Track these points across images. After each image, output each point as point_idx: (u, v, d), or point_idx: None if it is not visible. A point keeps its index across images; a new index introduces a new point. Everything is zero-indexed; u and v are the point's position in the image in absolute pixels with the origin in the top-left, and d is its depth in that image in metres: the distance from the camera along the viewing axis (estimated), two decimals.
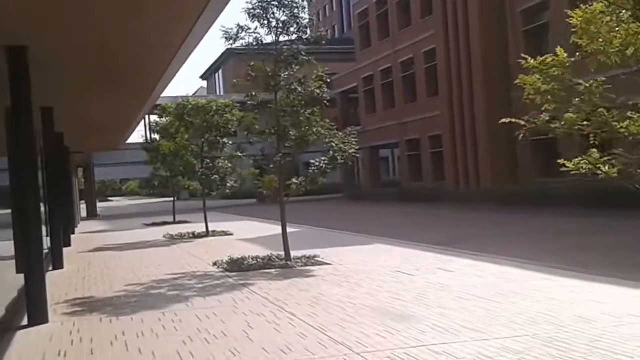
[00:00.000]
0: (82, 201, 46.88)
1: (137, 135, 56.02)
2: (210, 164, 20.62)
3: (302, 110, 12.00)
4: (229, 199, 55.24)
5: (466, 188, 31.81)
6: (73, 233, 25.04)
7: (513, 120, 7.12)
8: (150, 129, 29.74)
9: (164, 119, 27.07)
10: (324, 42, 12.28)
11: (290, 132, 11.96)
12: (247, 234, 20.61)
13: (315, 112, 12.19)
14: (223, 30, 11.96)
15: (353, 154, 12.09)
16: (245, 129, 12.46)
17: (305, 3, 11.68)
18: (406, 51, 38.00)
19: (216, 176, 20.56)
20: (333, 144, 12.04)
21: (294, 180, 12.23)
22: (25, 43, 7.88)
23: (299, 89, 11.85)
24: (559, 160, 6.55)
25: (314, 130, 11.95)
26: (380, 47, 41.09)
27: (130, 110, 16.23)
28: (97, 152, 44.11)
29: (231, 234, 20.43)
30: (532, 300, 7.34)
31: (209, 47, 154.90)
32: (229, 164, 20.77)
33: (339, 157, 11.86)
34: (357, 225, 22.41)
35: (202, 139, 20.64)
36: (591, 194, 22.83)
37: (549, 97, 6.40)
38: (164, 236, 21.15)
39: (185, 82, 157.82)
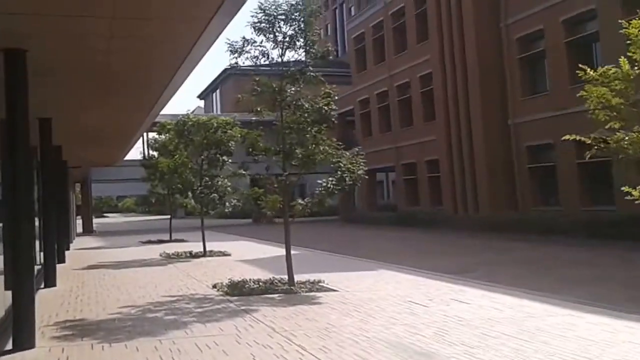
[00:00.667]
0: (79, 217, 46.20)
1: (135, 153, 55.39)
2: (209, 183, 20.13)
3: (308, 128, 11.52)
4: (225, 218, 54.88)
5: (464, 214, 31.37)
6: (68, 249, 24.41)
7: (579, 138, 6.41)
8: (148, 146, 29.29)
9: (163, 136, 26.74)
10: (330, 57, 11.84)
11: (297, 151, 11.47)
12: (246, 255, 20.02)
13: (322, 130, 11.72)
14: (228, 43, 11.53)
15: (362, 175, 11.58)
16: (250, 146, 11.95)
17: (312, 19, 11.20)
18: (402, 75, 37.91)
19: (215, 195, 20.06)
20: (341, 165, 11.54)
21: (299, 201, 11.70)
22: (24, 46, 7.40)
23: (307, 106, 11.38)
24: (623, 188, 5.93)
25: (321, 149, 11.46)
26: (377, 71, 41.02)
27: (132, 123, 15.73)
28: (95, 168, 44.04)
29: (229, 255, 19.85)
30: (562, 339, 6.76)
31: (206, 67, 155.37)
32: (229, 183, 20.29)
33: (347, 178, 11.35)
34: (358, 249, 21.85)
35: (202, 157, 20.18)
36: (593, 224, 22.45)
37: (614, 113, 5.77)
38: (160, 255, 20.55)
39: (182, 101, 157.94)
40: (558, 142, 25.68)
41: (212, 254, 19.98)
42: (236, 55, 11.56)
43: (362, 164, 11.71)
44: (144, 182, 29.38)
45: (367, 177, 12.20)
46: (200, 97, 76.23)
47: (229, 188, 20.18)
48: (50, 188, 13.69)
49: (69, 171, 26.44)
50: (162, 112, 17.42)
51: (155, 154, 27.54)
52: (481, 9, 30.72)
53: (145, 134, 43.21)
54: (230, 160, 20.00)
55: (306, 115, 11.50)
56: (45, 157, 13.49)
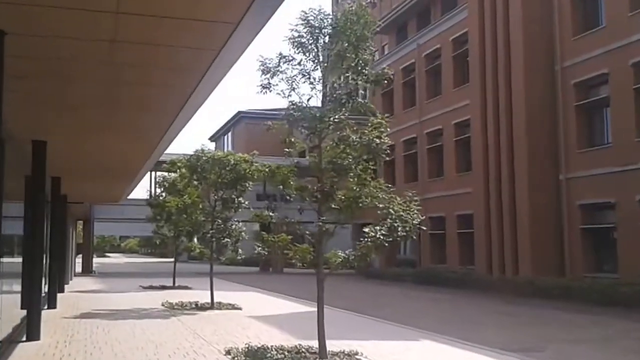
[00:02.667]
0: (80, 255, 44.16)
1: (141, 192, 52.98)
2: (222, 226, 18.11)
3: (352, 166, 9.57)
4: (228, 265, 52.41)
5: (500, 276, 28.07)
6: (62, 291, 22.30)
7: None
8: (156, 184, 27.39)
9: (171, 175, 24.92)
10: (385, 81, 9.96)
11: (339, 192, 9.48)
12: (259, 310, 17.84)
13: (369, 168, 9.75)
14: (260, 62, 9.69)
15: (418, 225, 9.53)
16: (280, 183, 9.96)
17: (367, 32, 9.32)
18: (434, 122, 35.63)
19: (228, 240, 18.02)
20: (391, 211, 9.51)
21: (340, 252, 9.63)
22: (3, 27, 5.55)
23: (354, 138, 9.43)
24: None
25: (367, 191, 9.47)
26: (405, 116, 38.65)
27: (137, 155, 13.83)
28: (98, 206, 42.20)
29: (240, 309, 17.66)
30: None
31: (218, 110, 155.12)
32: (244, 227, 18.28)
33: (399, 229, 9.30)
34: (387, 310, 19.56)
35: (216, 197, 18.24)
36: None
37: None
38: (162, 304, 18.37)
39: (193, 143, 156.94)
40: (621, 200, 23.44)
41: (220, 306, 17.80)
42: (269, 75, 9.71)
43: (416, 211, 9.69)
44: (149, 222, 27.38)
45: (424, 228, 10.10)
46: (211, 139, 74.93)
47: (243, 233, 18.17)
48: (41, 223, 11.66)
49: (68, 207, 24.53)
50: (169, 151, 15.80)
51: (163, 193, 25.62)
52: (533, 50, 27.82)
53: (152, 172, 41.75)
54: (247, 202, 18.04)
55: (351, 149, 9.56)
56: (37, 186, 11.51)
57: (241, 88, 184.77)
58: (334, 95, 9.50)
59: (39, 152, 11.20)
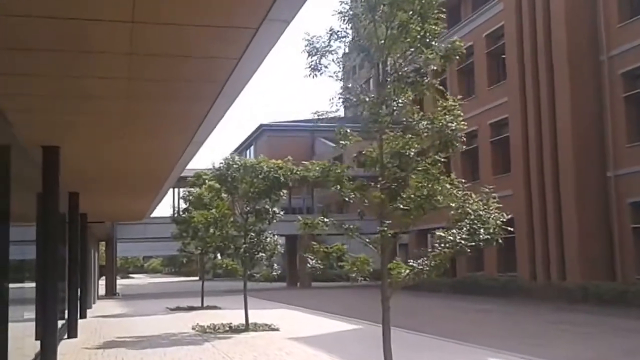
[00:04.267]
0: (103, 277, 42.93)
1: (163, 209, 51.68)
2: (255, 239, 16.55)
3: (418, 158, 7.98)
4: (257, 281, 50.54)
5: (546, 282, 26.36)
6: (84, 317, 20.86)
7: None
8: (180, 199, 26.00)
9: (196, 190, 23.54)
10: (457, 57, 8.36)
11: (408, 190, 7.88)
12: (298, 329, 16.24)
13: (439, 161, 8.16)
14: (307, 40, 8.17)
15: (502, 227, 7.88)
16: (336, 184, 8.37)
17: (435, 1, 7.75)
18: (468, 123, 33.84)
19: (262, 254, 16.45)
20: (469, 211, 7.88)
21: (412, 262, 8.00)
22: None
23: (424, 124, 7.83)
24: None
25: (439, 188, 7.86)
26: None
27: (161, 164, 12.34)
28: (120, 225, 40.97)
29: (277, 330, 16.05)
30: None
31: (241, 123, 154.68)
32: (280, 240, 16.74)
33: (482, 231, 7.66)
34: (438, 325, 17.84)
35: (248, 208, 16.71)
36: None
37: None
38: (193, 328, 16.81)
39: (215, 158, 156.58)
40: None
41: (256, 327, 16.21)
42: (317, 57, 8.18)
43: (497, 211, 8.05)
44: (174, 239, 25.93)
45: (510, 229, 8.45)
46: (234, 153, 73.69)
47: (278, 246, 16.61)
48: (55, 244, 10.14)
49: (89, 227, 23.15)
50: (192, 166, 14.57)
51: (189, 208, 24.18)
52: (577, 40, 26.02)
53: (174, 190, 40.45)
54: (282, 212, 16.52)
55: (419, 138, 7.98)
56: (49, 200, 10.02)
57: (260, 102, 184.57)
58: (399, 73, 7.91)
59: (52, 160, 9.73)
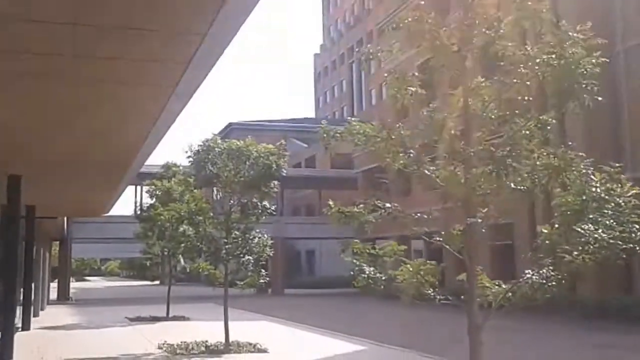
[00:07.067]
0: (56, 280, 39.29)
1: (122, 208, 48.23)
2: (241, 239, 13.58)
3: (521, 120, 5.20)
4: (214, 286, 46.82)
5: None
6: (27, 328, 17.59)
7: None
8: (145, 192, 22.83)
9: (164, 183, 20.60)
10: None
11: (514, 165, 5.08)
12: (290, 351, 13.40)
13: (548, 122, 5.39)
14: None
15: None
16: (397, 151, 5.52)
17: None
18: None
19: (249, 257, 13.47)
20: (606, 197, 5.11)
21: (529, 274, 5.19)
22: None
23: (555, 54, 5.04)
24: None
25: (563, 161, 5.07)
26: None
27: (124, 146, 9.44)
28: (77, 222, 37.42)
29: (265, 351, 13.08)
30: None
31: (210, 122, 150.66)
32: (270, 240, 13.81)
33: (637, 227, 4.90)
34: (449, 347, 15.09)
35: (232, 201, 13.75)
36: None
37: None
38: (160, 347, 13.68)
39: (180, 157, 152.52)
40: None
41: (239, 348, 13.22)
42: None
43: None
44: (137, 239, 22.76)
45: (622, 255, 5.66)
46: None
47: (267, 247, 13.66)
48: None
49: (38, 223, 19.82)
50: (151, 162, 12.03)
51: (155, 203, 21.09)
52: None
53: (138, 187, 37.06)
54: (273, 206, 13.63)
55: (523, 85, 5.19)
56: None
57: (229, 101, 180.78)
58: None
59: None
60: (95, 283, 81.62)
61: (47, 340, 15.56)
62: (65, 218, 28.58)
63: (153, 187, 21.33)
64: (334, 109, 72.47)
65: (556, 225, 5.17)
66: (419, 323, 21.49)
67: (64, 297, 37.06)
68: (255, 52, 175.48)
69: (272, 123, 63.47)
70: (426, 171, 5.37)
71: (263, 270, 13.99)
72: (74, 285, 56.54)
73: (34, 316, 20.05)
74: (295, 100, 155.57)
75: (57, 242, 39.31)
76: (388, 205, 5.77)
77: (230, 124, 63.29)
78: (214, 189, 14.56)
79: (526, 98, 5.04)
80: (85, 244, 55.37)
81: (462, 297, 5.64)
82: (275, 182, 13.66)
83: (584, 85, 5.05)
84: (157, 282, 68.61)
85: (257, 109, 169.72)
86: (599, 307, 20.56)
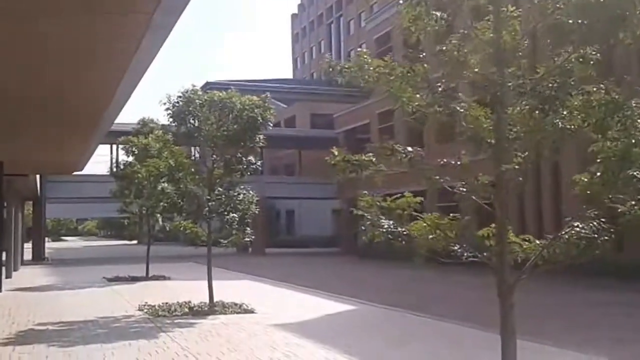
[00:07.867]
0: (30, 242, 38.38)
1: (98, 166, 47.16)
2: (224, 196, 12.81)
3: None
4: (195, 246, 46.19)
5: None
6: None
7: None
8: (121, 149, 21.80)
9: (141, 139, 19.63)
10: None
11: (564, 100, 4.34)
12: (279, 311, 12.78)
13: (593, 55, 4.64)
14: None
15: None
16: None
17: None
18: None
19: (234, 215, 12.72)
20: None
21: (577, 226, 4.50)
22: None
23: None
24: None
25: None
26: None
27: (99, 88, 8.52)
28: (50, 181, 36.31)
29: (252, 311, 12.47)
30: None
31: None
32: (256, 197, 13.08)
33: None
34: (440, 303, 14.63)
35: (214, 156, 12.91)
36: None
37: None
38: (140, 309, 13.00)
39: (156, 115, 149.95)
40: None
41: (224, 309, 12.57)
42: None
43: None
44: (114, 198, 21.89)
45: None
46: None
47: (253, 205, 12.92)
48: None
49: (8, 181, 18.83)
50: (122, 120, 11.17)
51: (132, 161, 20.15)
52: None
53: (114, 146, 35.78)
54: (259, 162, 12.86)
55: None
56: None
57: (206, 61, 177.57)
58: None
59: None
60: (72, 243, 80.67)
61: (19, 301, 14.77)
62: (37, 177, 27.44)
63: (129, 143, 20.34)
64: (312, 69, 71.02)
65: (597, 174, 4.50)
66: (409, 282, 21.12)
67: (39, 257, 36.21)
68: (231, 13, 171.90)
69: (251, 83, 62.22)
70: (458, 107, 4.64)
71: (248, 229, 13.28)
72: (50, 245, 55.63)
73: (6, 277, 19.25)
74: (273, 62, 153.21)
75: (32, 203, 38.29)
76: (410, 149, 5.05)
77: (207, 83, 61.59)
78: (195, 145, 13.67)
79: (571, 22, 4.28)
80: (61, 204, 54.25)
81: (484, 254, 4.97)
82: (261, 137, 12.86)
83: (638, 12, 4.32)
84: (135, 241, 67.82)
85: (235, 71, 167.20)
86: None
